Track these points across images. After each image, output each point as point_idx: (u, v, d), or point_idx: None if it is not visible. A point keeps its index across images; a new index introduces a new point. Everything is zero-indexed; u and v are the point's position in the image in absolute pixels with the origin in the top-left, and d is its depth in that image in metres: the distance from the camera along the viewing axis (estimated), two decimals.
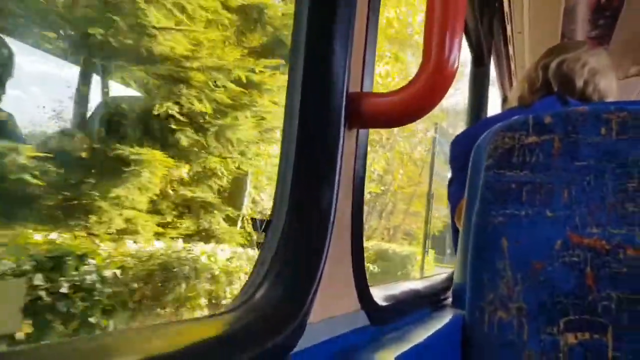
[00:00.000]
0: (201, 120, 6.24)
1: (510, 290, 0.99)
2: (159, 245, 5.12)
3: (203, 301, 5.29)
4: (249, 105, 6.58)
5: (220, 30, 6.50)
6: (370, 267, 12.28)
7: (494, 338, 1.01)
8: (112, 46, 5.41)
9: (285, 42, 6.73)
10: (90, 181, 5.22)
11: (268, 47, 6.93)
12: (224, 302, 5.45)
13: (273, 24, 6.89)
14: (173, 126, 6.00)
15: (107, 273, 4.22)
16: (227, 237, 6.37)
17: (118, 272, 4.35)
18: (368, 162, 0.83)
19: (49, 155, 4.73)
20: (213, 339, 0.50)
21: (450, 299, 1.21)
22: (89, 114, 5.84)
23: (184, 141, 6.10)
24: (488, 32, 2.09)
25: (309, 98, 0.65)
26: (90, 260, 4.07)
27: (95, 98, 5.87)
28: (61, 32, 5.33)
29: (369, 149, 0.80)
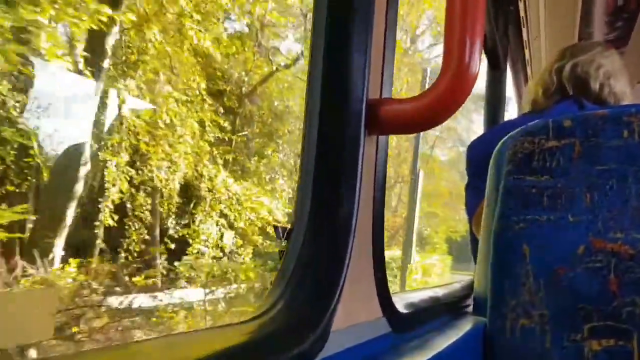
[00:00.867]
0: None
1: (533, 297, 0.98)
2: None
3: None
4: None
5: None
6: None
7: (517, 345, 0.99)
8: None
9: None
10: None
11: None
12: None
13: None
14: None
15: None
16: None
17: None
18: None
19: None
20: (237, 347, 0.50)
21: (470, 307, 1.20)
22: None
23: None
24: (504, 36, 2.08)
25: (329, 105, 0.66)
26: None
27: None
28: None
29: None
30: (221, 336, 0.53)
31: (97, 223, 7.85)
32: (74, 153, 7.10)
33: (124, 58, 8.54)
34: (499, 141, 1.09)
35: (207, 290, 7.82)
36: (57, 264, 6.43)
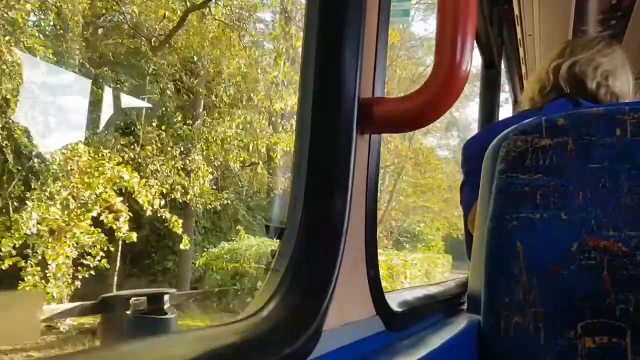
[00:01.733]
0: None
1: (526, 295, 0.98)
2: None
3: None
4: None
5: None
6: None
7: (511, 343, 1.00)
8: None
9: None
10: None
11: None
12: None
13: None
14: None
15: None
16: None
17: None
18: None
19: None
20: (229, 346, 0.50)
21: (465, 304, 1.20)
22: None
23: None
24: (498, 35, 2.08)
25: (321, 104, 0.66)
26: None
27: None
28: None
29: None
30: (213, 336, 0.53)
31: None
32: None
33: None
34: (494, 139, 1.09)
35: None
36: None
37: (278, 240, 0.64)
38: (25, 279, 7.15)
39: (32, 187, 7.67)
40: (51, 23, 8.95)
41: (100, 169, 8.14)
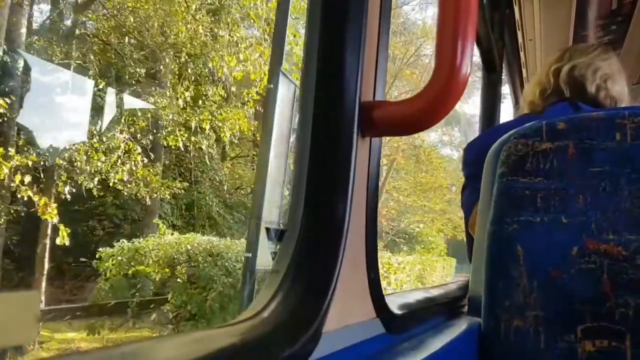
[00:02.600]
0: None
1: (527, 298, 0.98)
2: None
3: None
4: None
5: None
6: None
7: (511, 346, 1.00)
8: None
9: None
10: None
11: None
12: None
13: None
14: None
15: None
16: None
17: None
18: None
19: None
20: (228, 348, 0.50)
21: (465, 307, 1.20)
22: None
23: None
24: (499, 39, 2.08)
25: (322, 108, 0.66)
26: None
27: None
28: None
29: None
30: (213, 337, 0.53)
31: None
32: None
33: None
34: (494, 143, 1.09)
35: None
36: None
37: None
38: None
39: None
40: None
41: None
